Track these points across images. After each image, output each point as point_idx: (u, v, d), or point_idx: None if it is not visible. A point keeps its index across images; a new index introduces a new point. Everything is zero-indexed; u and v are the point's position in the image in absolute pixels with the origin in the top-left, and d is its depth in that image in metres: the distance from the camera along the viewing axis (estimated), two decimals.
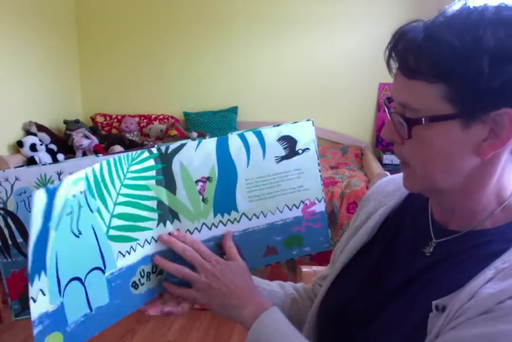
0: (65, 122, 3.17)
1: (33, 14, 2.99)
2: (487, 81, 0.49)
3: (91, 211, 0.58)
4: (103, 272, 0.60)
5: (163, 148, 0.67)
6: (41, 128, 2.96)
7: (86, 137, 3.02)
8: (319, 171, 0.75)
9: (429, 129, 0.54)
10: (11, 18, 2.80)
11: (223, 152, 0.69)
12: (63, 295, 0.54)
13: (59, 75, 3.34)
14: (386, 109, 0.62)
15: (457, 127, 0.53)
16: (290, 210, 0.74)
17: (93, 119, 3.48)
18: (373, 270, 0.70)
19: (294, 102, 3.34)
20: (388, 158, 3.03)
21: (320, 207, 0.76)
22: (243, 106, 3.43)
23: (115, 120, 3.46)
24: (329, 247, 0.77)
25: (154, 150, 0.66)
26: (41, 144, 2.80)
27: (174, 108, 3.50)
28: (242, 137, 0.70)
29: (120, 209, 0.63)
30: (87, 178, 0.57)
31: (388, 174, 2.31)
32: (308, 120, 0.73)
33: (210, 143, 0.69)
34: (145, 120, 3.46)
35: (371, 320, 0.64)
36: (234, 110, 3.42)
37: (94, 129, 3.21)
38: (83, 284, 0.57)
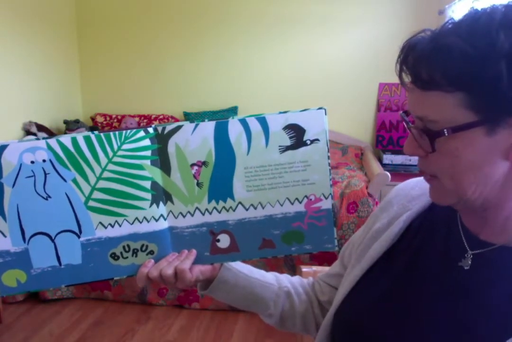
0: (65, 122, 3.17)
1: (33, 14, 2.99)
2: (507, 85, 0.48)
3: (64, 179, 0.65)
4: (78, 236, 0.67)
5: (159, 128, 0.66)
6: (41, 128, 2.96)
7: None
8: (329, 164, 0.69)
9: (453, 140, 0.52)
10: (11, 18, 2.80)
11: (221, 137, 0.67)
12: (27, 243, 0.65)
13: (59, 75, 3.34)
14: (405, 124, 0.59)
15: (482, 135, 0.51)
16: (292, 204, 0.70)
17: (93, 119, 3.48)
18: (400, 279, 0.65)
19: (294, 102, 3.34)
20: (388, 158, 3.03)
21: (327, 204, 0.70)
22: (243, 106, 3.43)
23: (115, 120, 3.46)
24: (333, 248, 0.71)
25: (150, 130, 0.66)
26: None
27: (174, 108, 3.50)
28: (244, 123, 0.67)
29: (105, 184, 0.66)
30: (51, 149, 0.64)
31: (388, 173, 2.31)
32: (320, 108, 0.68)
33: (208, 127, 0.67)
34: (145, 120, 3.46)
35: (400, 334, 0.61)
36: (234, 110, 3.42)
37: (94, 129, 3.21)
38: (52, 240, 0.66)
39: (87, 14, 3.51)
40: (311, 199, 0.70)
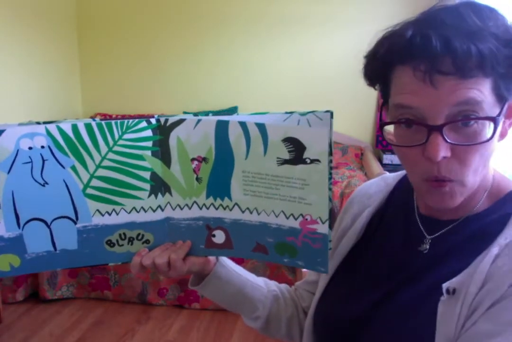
0: None
1: (33, 14, 2.99)
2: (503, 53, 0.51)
3: (62, 166, 0.65)
4: (74, 222, 0.67)
5: (162, 120, 0.65)
6: None
7: None
8: (329, 188, 0.62)
9: (491, 128, 0.53)
10: (11, 18, 2.80)
11: (222, 136, 0.66)
12: (22, 228, 0.65)
13: (59, 75, 3.34)
14: (428, 130, 0.53)
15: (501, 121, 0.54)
16: (287, 218, 0.66)
17: (93, 119, 3.48)
18: (367, 272, 0.69)
19: (294, 102, 3.34)
20: (388, 158, 3.03)
21: (323, 229, 0.63)
22: (243, 106, 3.43)
23: None
24: (325, 272, 0.66)
25: (153, 121, 0.66)
26: None
27: (174, 108, 3.50)
28: (244, 126, 0.64)
29: (104, 172, 0.66)
30: (50, 135, 0.63)
31: (388, 173, 2.31)
32: (327, 111, 0.60)
33: (209, 123, 0.65)
34: None
35: (371, 320, 0.63)
36: (234, 110, 3.42)
37: None
38: (48, 226, 0.66)
39: (87, 14, 3.51)
40: (306, 219, 0.65)
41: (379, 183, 0.78)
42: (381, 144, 3.31)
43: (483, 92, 0.51)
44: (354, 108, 3.35)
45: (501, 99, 0.53)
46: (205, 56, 3.45)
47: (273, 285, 0.84)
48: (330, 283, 0.74)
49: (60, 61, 3.35)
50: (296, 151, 0.62)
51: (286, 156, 0.63)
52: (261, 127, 0.63)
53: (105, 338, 2.13)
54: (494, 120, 0.52)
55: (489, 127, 0.52)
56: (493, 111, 0.52)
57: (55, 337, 2.13)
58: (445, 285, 0.55)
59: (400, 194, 0.73)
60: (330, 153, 0.60)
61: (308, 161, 0.62)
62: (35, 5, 3.02)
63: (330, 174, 0.62)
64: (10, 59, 2.81)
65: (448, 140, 0.52)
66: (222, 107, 3.45)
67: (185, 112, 3.42)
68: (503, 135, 0.57)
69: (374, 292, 0.65)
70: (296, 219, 0.65)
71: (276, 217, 0.66)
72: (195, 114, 0.66)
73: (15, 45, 2.85)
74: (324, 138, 0.60)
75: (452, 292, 0.54)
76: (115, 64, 3.55)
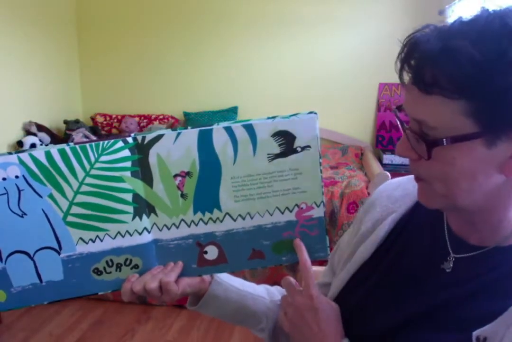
0: (65, 122, 3.17)
1: (33, 14, 2.99)
2: None
3: (39, 195, 0.63)
4: (58, 252, 0.65)
5: (139, 138, 0.63)
6: (41, 128, 2.96)
7: (86, 137, 3.02)
8: (321, 171, 0.66)
9: (450, 149, 0.50)
10: (11, 18, 2.80)
11: (205, 146, 0.64)
12: (5, 262, 0.64)
13: (59, 75, 3.34)
14: (399, 123, 0.56)
15: (481, 145, 0.49)
16: (282, 213, 0.67)
17: (93, 119, 3.48)
18: (382, 283, 0.65)
19: (294, 102, 3.34)
20: (388, 158, 3.03)
21: (318, 212, 0.67)
22: (243, 106, 3.43)
23: (115, 120, 3.46)
24: (325, 256, 0.68)
25: (129, 140, 0.63)
26: (41, 144, 2.80)
27: (174, 108, 3.50)
28: (229, 131, 0.64)
29: (83, 198, 0.64)
30: (23, 164, 0.62)
31: (388, 173, 2.31)
32: (310, 112, 0.64)
33: (190, 135, 0.63)
34: (145, 120, 3.46)
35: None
36: (234, 110, 3.42)
37: (94, 129, 3.21)
38: (31, 258, 0.64)
39: (87, 14, 3.51)
40: (302, 208, 0.67)
41: (406, 186, 0.71)
42: (381, 144, 3.31)
43: (441, 113, 0.49)
44: (354, 108, 3.35)
45: (482, 124, 0.48)
46: (205, 56, 3.45)
47: (276, 293, 0.81)
48: (344, 289, 0.70)
49: (60, 61, 3.34)
50: (287, 143, 0.65)
51: (277, 150, 0.65)
52: (249, 127, 0.64)
53: (105, 338, 2.13)
54: (427, 142, 0.51)
55: (428, 148, 0.51)
56: (459, 131, 0.49)
57: (55, 337, 2.13)
58: (475, 333, 0.51)
59: None
60: (318, 138, 0.65)
61: (299, 149, 0.65)
62: (35, 5, 3.01)
63: (320, 157, 0.66)
64: (10, 59, 2.81)
65: (410, 142, 0.54)
66: (222, 107, 3.45)
67: (185, 112, 3.42)
68: (503, 170, 0.51)
69: (390, 312, 0.61)
70: (291, 211, 0.67)
71: (271, 215, 0.67)
72: (193, 118, 0.65)
73: (15, 45, 2.85)
74: (313, 124, 0.64)
75: (482, 341, 0.51)
76: (115, 64, 3.55)
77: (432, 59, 0.48)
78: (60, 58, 3.34)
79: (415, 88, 0.51)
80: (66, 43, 3.43)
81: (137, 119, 3.43)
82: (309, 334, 0.62)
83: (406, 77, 0.52)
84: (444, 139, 0.49)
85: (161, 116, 3.46)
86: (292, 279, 0.67)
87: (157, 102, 3.55)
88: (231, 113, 3.39)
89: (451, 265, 0.59)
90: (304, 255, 0.66)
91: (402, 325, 0.59)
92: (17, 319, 2.27)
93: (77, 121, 3.18)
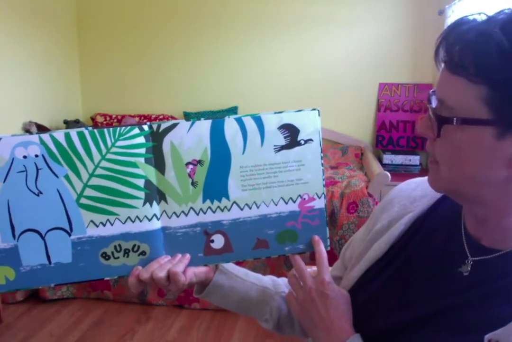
0: (65, 122, 3.17)
1: (33, 14, 2.99)
2: None
3: (56, 175, 0.64)
4: (69, 234, 0.66)
5: (154, 126, 0.65)
6: (41, 128, 2.95)
7: None
8: (322, 164, 0.70)
9: (459, 131, 0.51)
10: (11, 18, 2.80)
11: (217, 136, 0.66)
12: (17, 240, 0.64)
13: (59, 75, 3.34)
14: (427, 102, 0.58)
15: (490, 135, 0.49)
16: (286, 203, 0.70)
17: (93, 119, 3.48)
18: (393, 282, 0.65)
19: (294, 102, 3.34)
20: (388, 158, 3.03)
21: (320, 203, 0.71)
22: (243, 106, 3.43)
23: (115, 120, 3.46)
24: (325, 247, 0.71)
25: (145, 127, 0.65)
26: None
27: (174, 108, 3.50)
28: (240, 122, 0.67)
29: (97, 181, 0.65)
30: (43, 143, 0.63)
31: (388, 173, 2.31)
32: (313, 109, 0.69)
33: (204, 125, 0.66)
34: (145, 120, 3.46)
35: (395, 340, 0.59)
36: (234, 110, 3.42)
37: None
38: (42, 238, 0.65)
39: (87, 14, 3.51)
40: (304, 198, 0.70)
41: (425, 186, 0.70)
42: (381, 144, 3.31)
43: (461, 95, 0.50)
44: (354, 108, 3.35)
45: (497, 112, 0.49)
46: (205, 56, 3.45)
47: (282, 285, 0.81)
48: (355, 286, 0.70)
49: (60, 61, 3.34)
50: (291, 135, 0.69)
51: (282, 142, 0.69)
52: (258, 119, 0.68)
53: (105, 338, 2.13)
54: (439, 119, 0.52)
55: (439, 125, 0.53)
56: (472, 115, 0.50)
57: (55, 337, 2.13)
58: (487, 337, 0.50)
59: (449, 204, 0.66)
60: (320, 132, 0.69)
61: (303, 142, 0.69)
62: (35, 5, 3.01)
63: (321, 150, 0.70)
64: (10, 59, 2.80)
65: (431, 121, 0.55)
66: (222, 107, 3.45)
67: (185, 112, 3.42)
68: (511, 166, 0.51)
69: (401, 313, 0.61)
70: (294, 202, 0.70)
71: (276, 205, 0.70)
72: (193, 119, 0.67)
73: (15, 45, 2.85)
74: (315, 119, 0.69)
75: None
76: (115, 64, 3.55)
77: (463, 41, 0.49)
78: (60, 58, 3.34)
79: (444, 69, 0.52)
80: (66, 43, 3.43)
81: (137, 119, 3.43)
82: (317, 318, 0.64)
83: (442, 57, 0.54)
84: (455, 118, 0.51)
85: (161, 116, 3.46)
86: (304, 265, 0.69)
87: (157, 102, 3.55)
88: (231, 113, 3.39)
89: (469, 269, 0.58)
90: (321, 245, 0.69)
91: (409, 325, 0.59)
92: (17, 319, 2.27)
93: (77, 122, 3.18)
